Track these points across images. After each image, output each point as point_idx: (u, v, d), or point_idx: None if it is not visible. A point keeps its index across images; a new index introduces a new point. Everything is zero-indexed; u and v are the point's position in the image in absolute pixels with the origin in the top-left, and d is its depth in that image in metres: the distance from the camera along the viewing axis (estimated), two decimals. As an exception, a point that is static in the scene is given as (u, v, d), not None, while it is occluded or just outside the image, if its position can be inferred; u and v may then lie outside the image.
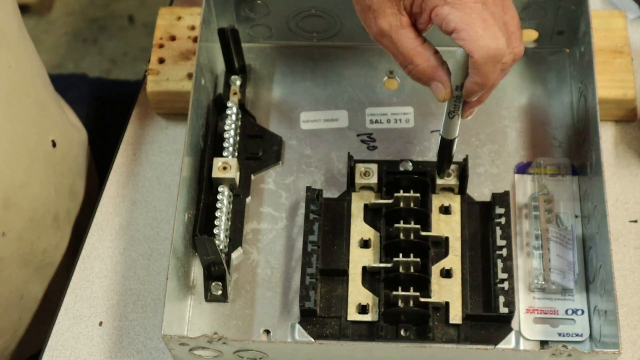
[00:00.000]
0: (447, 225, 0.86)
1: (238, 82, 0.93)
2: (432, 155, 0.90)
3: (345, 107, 0.94)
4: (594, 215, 0.83)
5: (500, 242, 0.84)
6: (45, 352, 0.84)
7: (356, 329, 0.82)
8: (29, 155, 0.85)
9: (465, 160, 0.85)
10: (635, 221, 0.88)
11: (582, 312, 0.83)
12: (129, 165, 0.93)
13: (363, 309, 0.82)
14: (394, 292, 0.81)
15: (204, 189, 0.86)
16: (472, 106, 0.78)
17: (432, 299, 0.81)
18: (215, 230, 0.85)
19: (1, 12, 0.81)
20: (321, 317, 0.82)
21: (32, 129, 0.86)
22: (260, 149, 0.91)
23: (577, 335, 0.82)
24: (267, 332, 0.83)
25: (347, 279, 0.84)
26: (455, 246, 0.85)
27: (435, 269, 0.83)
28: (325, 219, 0.86)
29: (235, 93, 0.92)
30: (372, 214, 0.87)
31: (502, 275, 0.82)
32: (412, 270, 0.82)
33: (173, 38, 0.95)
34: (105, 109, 1.12)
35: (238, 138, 0.91)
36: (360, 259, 0.84)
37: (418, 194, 0.85)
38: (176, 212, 0.80)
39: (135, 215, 0.90)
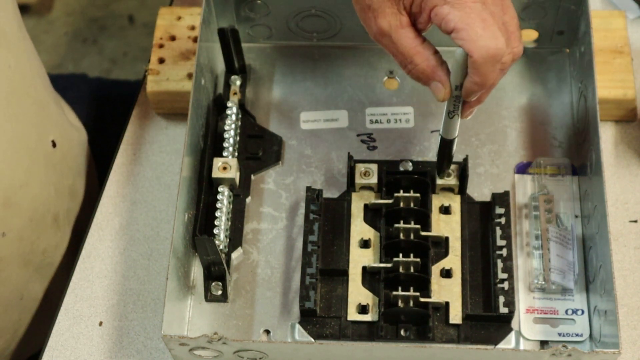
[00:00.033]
0: (447, 225, 0.86)
1: (238, 82, 0.93)
2: (432, 155, 0.90)
3: (345, 107, 0.94)
4: (594, 215, 0.83)
5: (500, 242, 0.84)
6: (45, 352, 0.84)
7: (356, 329, 0.82)
8: (29, 155, 0.85)
9: (465, 160, 0.85)
10: (635, 221, 0.88)
11: (582, 312, 0.83)
12: (129, 165, 0.93)
13: (363, 309, 0.82)
14: (394, 292, 0.81)
15: (204, 189, 0.86)
16: (472, 106, 0.78)
17: (432, 299, 0.81)
18: (215, 230, 0.85)
19: (1, 12, 0.81)
20: (321, 317, 0.82)
21: (32, 129, 0.86)
22: (260, 149, 0.91)
23: (577, 335, 0.82)
24: (267, 332, 0.83)
25: (347, 279, 0.84)
26: (455, 246, 0.85)
27: (435, 269, 0.83)
28: (325, 219, 0.86)
29: (235, 93, 0.92)
30: (372, 214, 0.87)
31: (502, 275, 0.82)
32: (412, 270, 0.82)
33: (173, 38, 0.95)
34: (105, 109, 1.12)
35: (238, 138, 0.91)
36: (360, 259, 0.84)
37: (418, 194, 0.85)
38: (176, 212, 0.80)
39: (135, 215, 0.90)
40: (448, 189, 0.87)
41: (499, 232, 0.84)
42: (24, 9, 1.73)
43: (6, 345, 0.93)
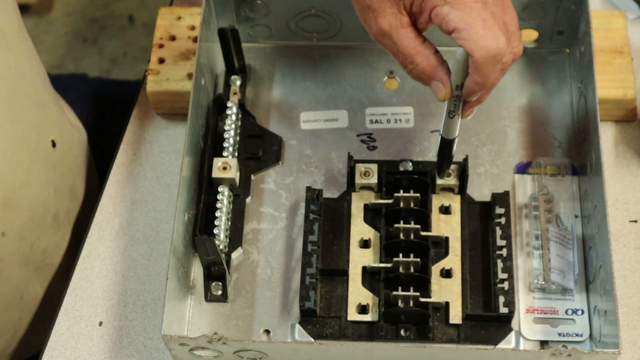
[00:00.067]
0: (447, 225, 0.86)
1: (238, 82, 0.93)
2: (432, 155, 0.90)
3: (345, 107, 0.94)
4: (594, 215, 0.83)
5: (500, 242, 0.84)
6: (45, 352, 0.84)
7: (356, 329, 0.82)
8: (29, 155, 0.85)
9: (465, 160, 0.85)
10: (635, 221, 0.88)
11: (582, 312, 0.83)
12: (129, 165, 0.93)
13: (363, 309, 0.82)
14: (394, 292, 0.81)
15: (204, 189, 0.86)
16: (472, 106, 0.78)
17: (432, 299, 0.81)
18: (215, 230, 0.85)
19: (1, 12, 0.81)
20: (321, 317, 0.82)
21: (32, 129, 0.86)
22: (260, 149, 0.91)
23: (577, 335, 0.82)
24: (267, 332, 0.83)
25: (347, 279, 0.84)
26: (455, 246, 0.85)
27: (435, 269, 0.83)
28: (325, 219, 0.86)
29: (235, 93, 0.92)
30: (372, 214, 0.87)
31: (502, 275, 0.82)
32: (412, 270, 0.82)
33: (173, 38, 0.95)
34: (105, 109, 1.12)
35: (238, 138, 0.91)
36: (360, 259, 0.84)
37: (418, 194, 0.85)
38: (176, 212, 0.80)
39: (135, 215, 0.90)
40: (448, 189, 0.87)
41: (499, 232, 0.84)
42: (24, 9, 1.73)
43: (6, 345, 0.93)
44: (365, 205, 0.87)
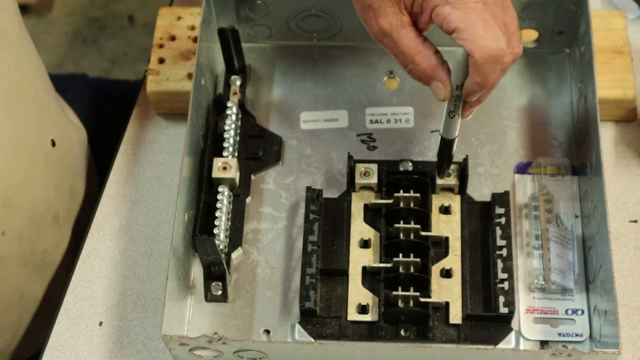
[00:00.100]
0: (447, 225, 0.86)
1: (238, 82, 0.93)
2: (432, 155, 0.90)
3: (345, 107, 0.94)
4: (594, 215, 0.83)
5: (500, 242, 0.84)
6: (45, 352, 0.84)
7: (356, 329, 0.82)
8: (29, 155, 0.85)
9: (465, 160, 0.85)
10: (635, 221, 0.88)
11: (582, 312, 0.83)
12: (129, 165, 0.93)
13: (363, 309, 0.82)
14: (394, 292, 0.81)
15: (204, 189, 0.86)
16: (472, 106, 0.78)
17: (432, 299, 0.81)
18: (215, 230, 0.85)
19: (1, 12, 0.81)
20: (321, 317, 0.82)
21: (32, 128, 0.86)
22: (260, 149, 0.91)
23: (577, 335, 0.82)
24: (267, 332, 0.83)
25: (347, 279, 0.84)
26: (455, 246, 0.85)
27: (435, 269, 0.83)
28: (325, 219, 0.86)
29: (235, 93, 0.92)
30: (372, 214, 0.87)
31: (502, 275, 0.82)
32: (412, 270, 0.82)
33: (173, 38, 0.95)
34: (105, 109, 1.12)
35: (238, 138, 0.91)
36: (360, 259, 0.84)
37: (418, 194, 0.85)
38: (176, 212, 0.80)
39: (135, 215, 0.90)
40: (448, 189, 0.87)
41: (499, 232, 0.84)
42: (24, 9, 1.73)
43: (6, 345, 0.93)
44: (365, 205, 0.87)
